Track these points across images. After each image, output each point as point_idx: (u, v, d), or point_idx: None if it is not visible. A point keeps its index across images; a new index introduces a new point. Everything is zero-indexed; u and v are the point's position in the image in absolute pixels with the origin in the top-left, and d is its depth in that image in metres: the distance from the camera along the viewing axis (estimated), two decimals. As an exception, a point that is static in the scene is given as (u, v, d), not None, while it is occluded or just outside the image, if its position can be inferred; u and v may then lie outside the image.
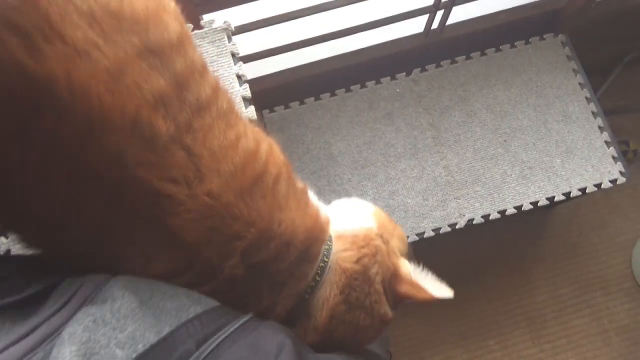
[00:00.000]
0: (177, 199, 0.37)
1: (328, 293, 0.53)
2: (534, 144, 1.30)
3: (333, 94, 1.35)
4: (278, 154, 0.52)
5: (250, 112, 0.81)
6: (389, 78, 1.37)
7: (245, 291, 0.46)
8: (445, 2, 1.27)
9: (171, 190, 0.37)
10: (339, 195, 1.25)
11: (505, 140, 1.30)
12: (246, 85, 0.83)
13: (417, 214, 1.23)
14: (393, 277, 0.59)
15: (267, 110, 1.34)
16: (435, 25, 1.35)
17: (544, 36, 1.40)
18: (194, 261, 0.41)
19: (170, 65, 0.37)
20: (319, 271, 0.53)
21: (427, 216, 1.23)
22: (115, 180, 0.35)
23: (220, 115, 0.43)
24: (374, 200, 1.24)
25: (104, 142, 0.34)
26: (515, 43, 1.40)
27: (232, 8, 1.03)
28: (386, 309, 0.57)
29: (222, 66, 0.83)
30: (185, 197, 0.38)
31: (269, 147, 0.50)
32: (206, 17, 1.02)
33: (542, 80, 1.35)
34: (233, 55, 0.84)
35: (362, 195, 1.25)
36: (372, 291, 0.55)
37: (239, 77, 0.83)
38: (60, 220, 0.36)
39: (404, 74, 1.37)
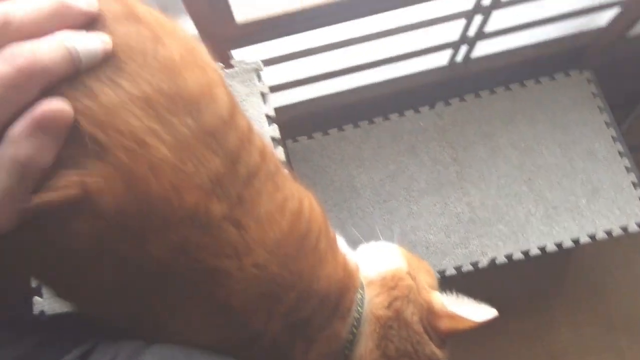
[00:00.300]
0: (228, 272, 0.37)
1: (364, 349, 0.52)
2: (558, 182, 1.28)
3: (356, 126, 1.35)
4: (318, 209, 0.52)
5: (279, 153, 0.81)
6: (412, 111, 1.37)
7: (286, 351, 0.46)
8: (470, 37, 1.27)
9: (223, 265, 0.37)
10: (360, 228, 1.24)
11: (529, 178, 1.28)
12: (275, 126, 0.83)
13: (438, 251, 1.22)
14: (429, 314, 0.57)
15: (290, 140, 1.34)
16: (459, 58, 1.35)
17: (570, 72, 1.40)
18: (239, 328, 0.41)
19: (224, 142, 0.37)
20: (355, 323, 0.52)
21: (449, 254, 1.21)
22: (170, 264, 0.35)
23: (268, 178, 0.43)
24: (396, 235, 1.23)
25: (163, 237, 0.34)
26: (540, 79, 1.39)
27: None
28: (432, 349, 0.55)
29: (252, 106, 0.83)
30: (235, 270, 0.38)
31: (310, 204, 0.49)
32: (235, 53, 1.03)
33: (567, 118, 1.34)
34: (263, 95, 0.85)
35: (384, 229, 1.24)
36: (411, 334, 0.53)
37: (268, 117, 0.83)
38: (106, 296, 0.36)
39: (428, 107, 1.37)
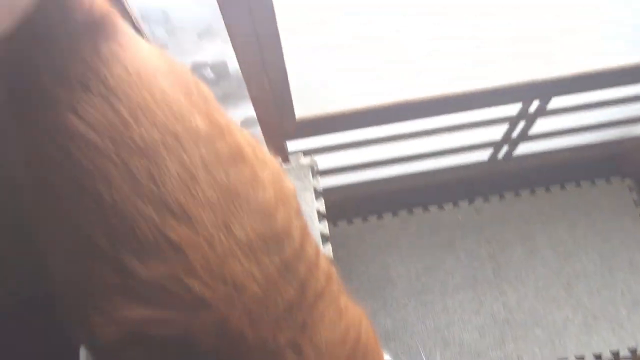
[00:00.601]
0: None
1: None
2: (598, 290, 1.26)
3: (395, 214, 1.38)
4: (371, 331, 0.54)
5: (328, 250, 0.84)
6: (451, 204, 1.39)
7: None
8: (513, 139, 1.31)
9: None
10: (394, 319, 1.23)
11: (568, 283, 1.27)
12: (325, 222, 0.87)
13: (472, 352, 1.20)
14: None
15: (330, 224, 1.37)
16: (500, 155, 1.39)
17: (610, 179, 1.41)
18: None
19: (296, 272, 0.41)
20: None
21: (483, 355, 1.19)
22: None
23: (332, 301, 0.46)
24: (429, 331, 1.22)
25: None
26: (580, 182, 1.41)
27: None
28: None
29: (304, 201, 0.88)
30: None
31: (366, 328, 0.52)
32: (289, 144, 1.09)
33: (607, 225, 1.34)
34: (316, 191, 0.89)
35: (418, 322, 1.23)
36: None
37: (319, 213, 0.87)
38: None
39: (467, 201, 1.40)
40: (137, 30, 0.80)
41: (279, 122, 0.99)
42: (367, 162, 1.31)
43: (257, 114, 0.99)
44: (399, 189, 1.41)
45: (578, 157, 1.42)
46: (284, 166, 0.91)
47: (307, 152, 1.14)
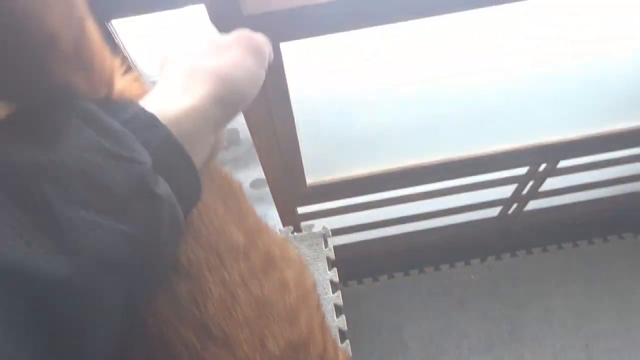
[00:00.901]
0: None
1: None
2: (618, 351, 1.23)
3: (407, 274, 1.37)
4: None
5: (341, 322, 0.82)
6: (463, 263, 1.38)
7: None
8: (522, 196, 1.30)
9: None
10: (408, 386, 1.20)
11: (587, 345, 1.23)
12: (339, 292, 0.85)
13: (492, 420, 1.15)
14: None
15: (341, 284, 1.36)
16: (511, 211, 1.38)
17: (623, 235, 1.40)
18: None
19: None
20: None
21: None
22: None
23: None
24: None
25: None
26: (592, 239, 1.40)
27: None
28: None
29: (317, 270, 0.87)
30: None
31: None
32: (300, 209, 1.09)
33: (623, 282, 1.31)
34: (328, 260, 0.88)
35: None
36: None
37: (332, 283, 0.86)
38: None
39: (479, 259, 1.38)
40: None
41: (290, 188, 1.00)
42: (376, 222, 1.31)
43: (268, 182, 1.00)
44: (410, 247, 1.40)
45: (589, 213, 1.42)
46: (296, 234, 0.91)
47: (317, 214, 1.14)
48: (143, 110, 0.28)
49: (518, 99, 0.92)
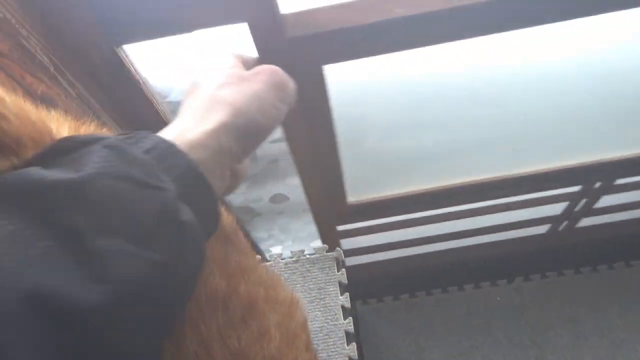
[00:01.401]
0: None
1: None
2: (656, 384, 1.15)
3: (429, 293, 1.32)
4: None
5: (352, 349, 0.80)
6: (488, 283, 1.32)
7: None
8: (575, 212, 1.21)
9: None
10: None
11: (621, 376, 1.16)
12: (350, 319, 0.83)
13: None
14: None
15: (360, 302, 1.33)
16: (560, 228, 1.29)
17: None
18: None
19: None
20: None
21: None
22: None
23: None
24: None
25: None
26: (630, 262, 1.31)
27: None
28: None
29: (328, 295, 0.85)
30: None
31: None
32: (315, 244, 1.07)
33: (664, 309, 1.23)
34: (340, 284, 0.86)
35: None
36: None
37: (344, 309, 0.84)
38: None
39: (506, 280, 1.32)
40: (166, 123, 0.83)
41: (330, 207, 0.96)
42: (401, 241, 1.27)
43: (308, 200, 0.96)
44: (433, 266, 1.36)
45: (627, 232, 1.33)
46: (308, 256, 0.89)
47: (356, 232, 1.10)
48: (162, 140, 0.29)
49: (574, 116, 0.85)
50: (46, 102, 0.55)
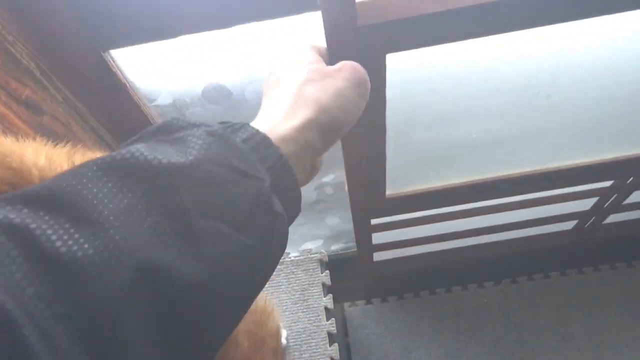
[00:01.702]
0: None
1: None
2: (640, 386, 1.16)
3: (417, 295, 1.34)
4: None
5: (334, 350, 0.81)
6: (475, 285, 1.34)
7: None
8: (604, 208, 1.19)
9: None
10: (413, 412, 1.17)
11: (606, 378, 1.17)
12: (333, 320, 0.84)
13: None
14: None
15: (348, 304, 1.34)
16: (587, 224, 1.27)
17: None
18: None
19: None
20: None
21: None
22: None
23: None
24: None
25: None
26: (615, 264, 1.33)
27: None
28: None
29: (311, 296, 0.86)
30: None
31: None
32: (306, 246, 1.07)
33: (649, 311, 1.24)
34: (324, 285, 0.88)
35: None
36: None
37: (327, 310, 0.85)
38: None
39: (493, 282, 1.34)
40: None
41: (368, 199, 0.96)
42: (414, 239, 1.22)
43: (349, 192, 0.93)
44: (420, 268, 1.37)
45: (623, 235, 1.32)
46: (293, 258, 0.90)
47: (387, 226, 1.08)
48: (257, 131, 0.30)
49: (614, 110, 0.84)
50: (31, 106, 0.56)
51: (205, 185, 0.25)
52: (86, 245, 0.20)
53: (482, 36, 0.56)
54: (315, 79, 0.36)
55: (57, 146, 0.41)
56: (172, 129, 0.28)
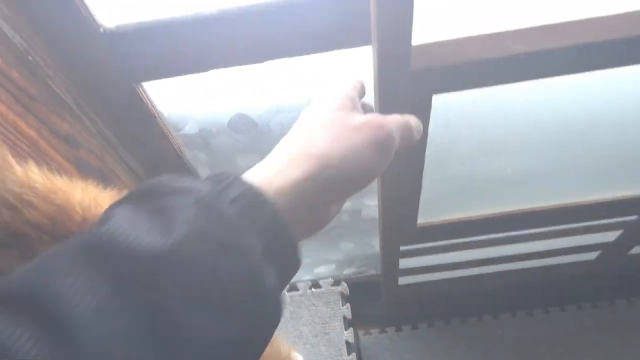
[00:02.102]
0: None
1: None
2: None
3: (431, 325, 1.32)
4: None
5: (355, 386, 0.80)
6: (491, 316, 1.32)
7: None
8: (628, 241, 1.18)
9: None
10: None
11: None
12: (354, 355, 0.83)
13: None
14: None
15: (362, 332, 1.33)
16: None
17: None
18: None
19: None
20: None
21: None
22: None
23: None
24: None
25: None
26: (631, 299, 1.32)
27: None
28: None
29: (333, 330, 0.85)
30: None
31: None
32: (318, 269, 1.07)
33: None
34: (345, 319, 0.87)
35: None
36: None
37: (348, 344, 0.84)
38: None
39: (509, 314, 1.32)
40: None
41: (400, 227, 0.96)
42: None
43: (380, 219, 0.92)
44: (440, 293, 1.35)
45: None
46: (314, 290, 0.90)
47: (414, 252, 1.08)
48: (250, 187, 0.29)
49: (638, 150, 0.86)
50: (69, 141, 0.56)
51: (188, 271, 0.24)
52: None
53: (526, 80, 0.57)
54: (333, 129, 0.34)
55: (106, 189, 0.41)
56: (162, 191, 0.27)
